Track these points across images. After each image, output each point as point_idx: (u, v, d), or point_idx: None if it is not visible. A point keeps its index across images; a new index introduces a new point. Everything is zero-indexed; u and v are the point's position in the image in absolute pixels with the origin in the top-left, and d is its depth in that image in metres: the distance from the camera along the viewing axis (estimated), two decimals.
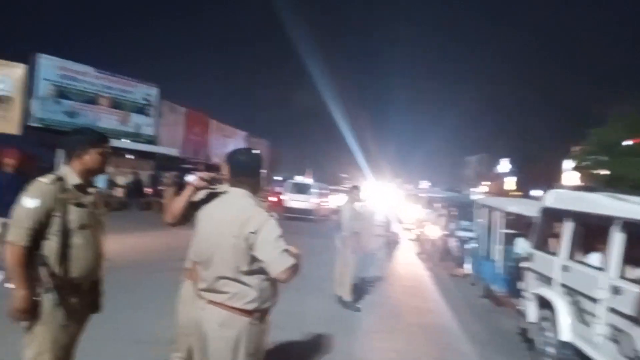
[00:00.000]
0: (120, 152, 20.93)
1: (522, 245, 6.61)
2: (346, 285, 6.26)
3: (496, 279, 6.95)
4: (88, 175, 2.53)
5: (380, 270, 9.83)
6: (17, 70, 17.70)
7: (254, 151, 2.48)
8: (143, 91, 22.92)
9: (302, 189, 20.79)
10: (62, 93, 19.50)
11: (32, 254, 2.30)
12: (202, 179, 2.32)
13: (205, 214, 2.31)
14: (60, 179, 2.40)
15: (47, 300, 2.30)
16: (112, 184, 19.42)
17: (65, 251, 2.37)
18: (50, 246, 2.34)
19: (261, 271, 2.16)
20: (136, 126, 22.51)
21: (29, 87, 18.04)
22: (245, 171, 2.32)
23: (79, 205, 2.44)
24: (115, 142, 20.99)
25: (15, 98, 17.68)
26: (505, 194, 37.87)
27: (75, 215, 2.40)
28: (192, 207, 2.33)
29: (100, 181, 15.80)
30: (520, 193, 37.04)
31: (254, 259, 2.14)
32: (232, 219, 2.16)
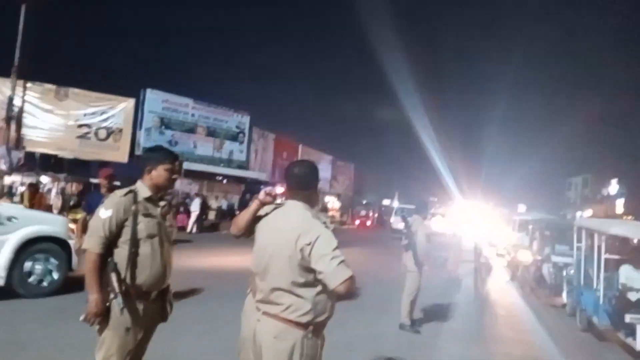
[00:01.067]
0: (214, 176, 22.28)
1: (628, 273, 5.90)
2: (405, 307, 5.99)
3: (598, 310, 6.22)
4: (158, 190, 2.70)
5: (467, 297, 9.29)
6: (128, 105, 19.70)
7: (309, 163, 2.48)
8: (236, 119, 24.31)
9: (406, 212, 21.45)
10: (165, 123, 21.32)
11: (104, 261, 2.48)
12: (267, 194, 2.36)
13: (262, 226, 2.34)
14: (132, 192, 2.58)
15: (116, 305, 2.45)
16: (205, 206, 20.66)
17: (134, 259, 2.52)
18: (120, 254, 2.52)
19: (316, 284, 2.13)
20: (229, 152, 23.83)
21: (136, 119, 19.98)
22: (300, 183, 2.32)
23: (148, 216, 2.60)
24: (210, 168, 22.49)
25: (125, 129, 19.65)
26: (617, 218, 34.30)
27: (144, 225, 2.57)
28: (258, 221, 2.38)
29: (196, 204, 16.92)
30: (630, 216, 33.35)
31: (309, 271, 2.12)
32: (287, 231, 2.17)
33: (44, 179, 17.29)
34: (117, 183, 5.61)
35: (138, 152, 19.97)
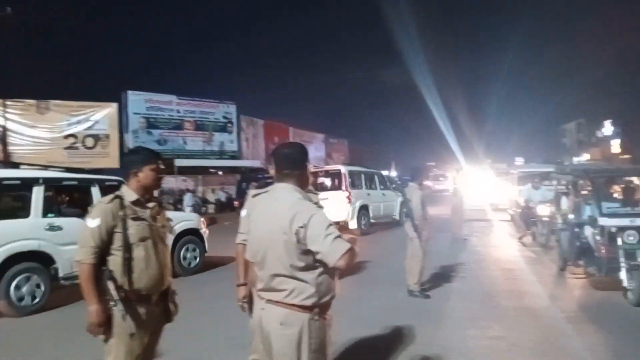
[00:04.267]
0: (208, 170, 22.19)
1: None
2: (415, 275, 6.02)
3: None
4: (145, 192, 2.64)
5: (473, 255, 9.34)
6: (110, 110, 19.47)
7: (297, 144, 2.41)
8: (222, 110, 24.10)
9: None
10: (151, 123, 21.12)
11: (100, 270, 2.44)
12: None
13: (255, 213, 2.29)
14: (118, 198, 2.52)
15: (117, 312, 2.41)
16: (203, 201, 20.63)
17: (129, 264, 2.48)
18: (115, 261, 2.47)
19: (316, 265, 2.09)
20: (220, 144, 23.68)
21: (121, 122, 19.78)
22: (289, 164, 2.25)
23: (137, 219, 2.54)
24: (202, 162, 22.37)
25: (112, 135, 19.46)
26: (615, 159, 34.42)
27: (134, 229, 2.51)
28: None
29: (188, 200, 16.88)
30: (629, 156, 33.45)
31: (307, 253, 2.07)
32: (280, 215, 2.11)
33: None
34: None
35: None
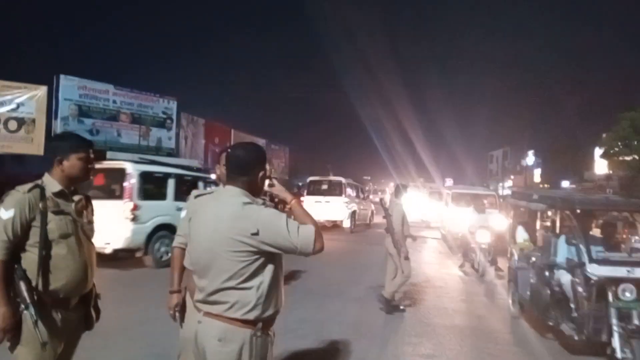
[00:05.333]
0: None
1: None
2: (395, 289, 6.06)
3: None
4: (71, 183, 2.37)
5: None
6: (39, 92, 18.07)
7: (254, 147, 2.21)
8: (162, 105, 23.13)
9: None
10: (84, 112, 19.82)
11: (11, 268, 2.15)
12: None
13: (196, 217, 2.09)
14: (38, 187, 2.24)
15: (28, 317, 2.13)
16: None
17: (46, 263, 2.21)
18: (29, 258, 2.20)
19: (261, 276, 1.94)
20: (157, 140, 22.70)
21: (51, 108, 18.42)
22: (237, 168, 2.06)
23: (59, 213, 2.27)
24: (136, 157, 21.29)
25: (39, 119, 18.05)
26: (535, 187, 36.80)
27: (55, 224, 2.24)
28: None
29: None
30: (547, 185, 35.92)
31: (253, 262, 1.91)
32: (224, 222, 1.94)
33: None
34: None
35: None
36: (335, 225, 16.21)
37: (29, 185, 2.24)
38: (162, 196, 8.58)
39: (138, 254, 8.20)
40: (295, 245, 1.90)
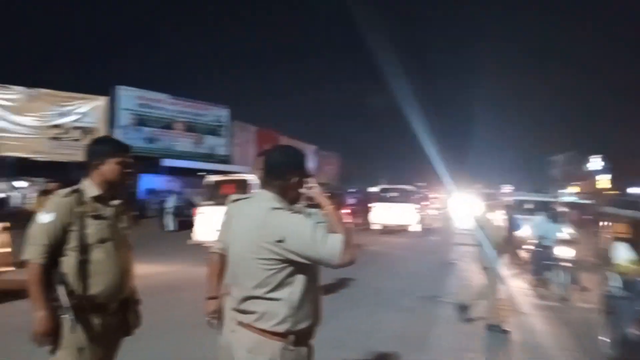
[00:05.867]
0: (195, 172, 21.77)
1: None
2: (491, 307, 5.47)
3: None
4: (109, 187, 2.35)
5: (460, 280, 9.09)
6: (100, 103, 19.07)
7: (290, 149, 2.10)
8: (215, 113, 23.81)
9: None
10: (141, 121, 20.74)
11: (50, 272, 2.14)
12: None
13: (233, 223, 2.01)
14: (76, 192, 2.23)
15: (66, 321, 2.11)
16: (190, 204, 20.14)
17: (85, 267, 2.19)
18: (68, 263, 2.18)
19: (293, 285, 1.83)
20: (210, 147, 23.35)
21: (110, 117, 19.38)
22: (275, 171, 1.96)
23: (98, 217, 2.25)
24: (191, 164, 21.95)
25: (99, 129, 19.03)
26: (599, 193, 34.67)
27: (93, 228, 2.23)
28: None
29: (171, 201, 16.44)
30: (616, 192, 33.70)
31: (282, 270, 1.81)
32: (253, 228, 1.84)
33: (20, 184, 16.65)
34: None
35: None
36: (401, 230, 17.52)
37: (69, 189, 2.24)
38: None
39: None
40: (320, 255, 1.76)
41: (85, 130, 18.69)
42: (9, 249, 6.03)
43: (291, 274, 1.82)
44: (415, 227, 17.42)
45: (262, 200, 1.92)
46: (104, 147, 2.40)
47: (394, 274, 9.55)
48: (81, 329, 2.14)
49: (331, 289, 7.03)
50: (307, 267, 1.85)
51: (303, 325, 1.86)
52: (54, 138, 17.92)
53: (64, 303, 2.11)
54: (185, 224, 16.79)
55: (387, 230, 17.37)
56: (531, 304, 6.98)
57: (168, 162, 20.56)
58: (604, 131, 38.05)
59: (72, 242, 2.18)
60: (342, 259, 1.75)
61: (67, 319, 2.11)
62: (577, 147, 45.94)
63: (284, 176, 1.94)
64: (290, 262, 1.80)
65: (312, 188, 1.97)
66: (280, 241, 1.76)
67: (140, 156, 20.48)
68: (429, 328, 5.61)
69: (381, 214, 17.46)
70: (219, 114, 23.93)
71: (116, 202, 2.37)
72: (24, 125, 17.54)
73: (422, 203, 19.17)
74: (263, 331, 1.81)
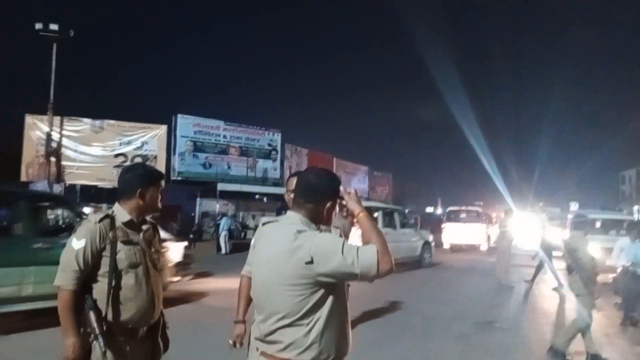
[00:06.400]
0: (249, 196, 22.23)
1: None
2: (568, 335, 5.06)
3: None
4: (142, 214, 2.37)
5: (520, 305, 8.55)
6: (160, 131, 20.04)
7: (324, 172, 2.00)
8: (268, 137, 24.32)
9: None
10: (198, 147, 21.53)
11: (81, 298, 2.16)
12: None
13: (260, 245, 1.95)
14: (108, 217, 2.26)
15: (97, 348, 2.11)
16: (243, 226, 20.58)
17: (116, 293, 2.20)
18: (99, 288, 2.19)
19: (318, 312, 1.72)
20: (263, 171, 23.79)
21: (169, 144, 20.28)
22: (308, 194, 1.87)
23: (129, 243, 2.26)
24: (244, 187, 22.46)
25: (160, 155, 19.96)
26: None
27: (124, 253, 2.24)
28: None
29: (225, 223, 16.78)
30: None
31: (310, 297, 1.71)
32: (278, 254, 1.76)
33: (86, 210, 17.59)
34: None
35: (174, 177, 20.21)
36: (469, 248, 19.67)
37: (100, 214, 2.27)
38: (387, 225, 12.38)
39: None
40: (355, 269, 1.65)
41: (147, 158, 19.64)
42: None
43: (320, 299, 1.72)
44: (484, 245, 19.35)
45: (288, 224, 1.84)
46: (146, 174, 2.41)
47: (448, 297, 9.15)
48: (111, 355, 2.14)
49: (378, 314, 6.81)
50: (335, 290, 1.75)
51: (328, 354, 1.75)
52: (118, 166, 18.96)
53: (95, 329, 2.11)
54: (239, 246, 17.17)
55: (457, 249, 19.36)
56: (619, 350, 5.79)
57: (222, 187, 21.12)
58: None
59: (104, 267, 2.19)
60: (379, 269, 1.65)
61: (97, 345, 2.10)
62: None
63: (317, 200, 1.87)
64: (320, 284, 1.70)
65: (347, 193, 1.91)
66: (309, 262, 1.67)
67: (197, 181, 21.25)
68: (484, 357, 5.27)
69: (452, 234, 19.35)
70: (271, 137, 24.42)
71: (146, 226, 2.39)
72: (91, 155, 18.71)
73: (487, 223, 20.73)
74: None
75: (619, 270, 7.07)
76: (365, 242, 1.76)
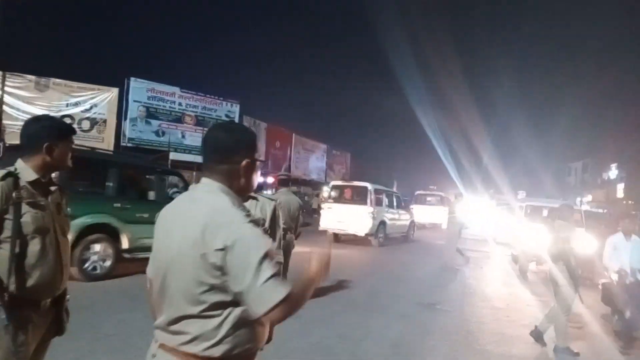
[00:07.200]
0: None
1: None
2: (562, 330, 5.03)
3: None
4: (49, 172, 2.12)
5: (463, 288, 8.76)
6: (111, 94, 19.05)
7: (234, 125, 1.70)
8: (225, 108, 23.66)
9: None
10: (151, 113, 20.65)
11: None
12: None
13: (162, 218, 1.62)
14: (10, 175, 1.98)
15: None
16: None
17: (20, 260, 1.96)
18: (1, 255, 1.94)
19: (234, 302, 1.43)
20: None
21: (121, 109, 19.35)
22: (219, 153, 1.56)
23: (36, 205, 2.01)
24: (199, 158, 21.83)
25: (109, 120, 19.01)
26: (618, 203, 33.76)
27: (30, 217, 1.99)
28: None
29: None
30: (631, 202, 32.80)
31: (222, 285, 1.41)
32: (191, 226, 1.44)
33: None
34: None
35: (123, 143, 19.38)
36: (432, 226, 23.75)
37: (2, 172, 2.00)
38: (381, 203, 14.69)
39: (370, 237, 13.76)
40: (247, 293, 1.35)
41: (95, 122, 18.69)
42: None
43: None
44: (445, 225, 21.30)
45: (210, 192, 1.53)
46: (55, 127, 2.13)
47: (394, 276, 9.26)
48: (13, 328, 1.90)
49: (324, 291, 6.77)
50: None
51: (243, 348, 1.47)
52: None
53: None
54: None
55: (421, 227, 21.71)
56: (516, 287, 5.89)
57: (176, 156, 20.46)
58: (620, 139, 36.96)
59: (6, 232, 1.95)
60: (268, 312, 1.34)
61: None
62: (592, 155, 44.88)
63: (232, 158, 1.56)
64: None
65: (314, 254, 1.55)
66: (220, 249, 1.38)
67: (148, 148, 20.45)
68: (423, 337, 5.32)
69: (419, 214, 21.65)
70: (229, 109, 23.78)
71: (54, 187, 2.14)
72: (34, 114, 17.56)
73: (447, 206, 23.42)
74: (191, 356, 1.43)
75: (612, 275, 5.82)
76: (298, 279, 1.47)
